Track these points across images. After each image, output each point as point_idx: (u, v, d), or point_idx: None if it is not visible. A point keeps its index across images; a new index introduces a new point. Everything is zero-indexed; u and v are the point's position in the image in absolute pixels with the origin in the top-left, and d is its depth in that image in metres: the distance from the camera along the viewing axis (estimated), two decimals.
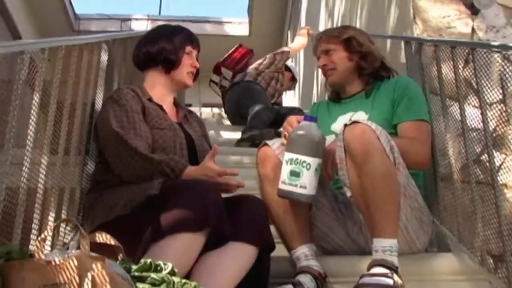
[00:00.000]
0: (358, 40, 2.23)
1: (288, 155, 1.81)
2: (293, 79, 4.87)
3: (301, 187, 1.78)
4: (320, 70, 2.34)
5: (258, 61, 4.70)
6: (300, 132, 1.84)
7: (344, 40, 2.24)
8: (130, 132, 1.91)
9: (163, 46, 2.13)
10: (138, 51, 2.19)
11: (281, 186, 1.81)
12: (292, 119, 1.96)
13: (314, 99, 5.63)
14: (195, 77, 2.21)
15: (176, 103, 2.22)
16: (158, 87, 2.14)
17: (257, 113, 4.16)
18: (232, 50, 4.92)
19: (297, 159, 1.79)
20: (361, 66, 2.23)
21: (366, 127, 1.78)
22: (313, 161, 1.79)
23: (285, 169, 1.81)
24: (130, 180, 1.86)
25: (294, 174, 1.78)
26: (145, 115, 2.01)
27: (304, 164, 1.78)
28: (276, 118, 4.17)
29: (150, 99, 2.08)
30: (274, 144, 1.96)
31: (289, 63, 4.94)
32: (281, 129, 2.07)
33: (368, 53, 2.23)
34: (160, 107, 2.09)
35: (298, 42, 4.99)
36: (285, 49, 4.90)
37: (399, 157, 1.84)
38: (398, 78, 2.25)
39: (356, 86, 2.26)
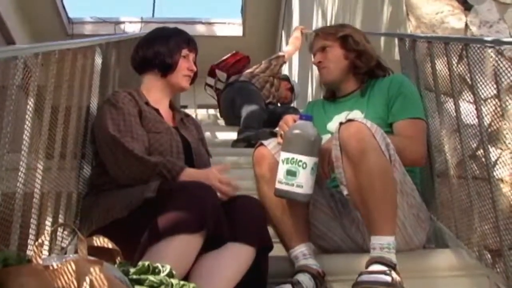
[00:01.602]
0: (354, 38, 2.23)
1: (284, 155, 1.81)
2: (291, 90, 4.89)
3: (297, 186, 1.78)
4: (315, 70, 2.34)
5: (254, 66, 4.72)
6: (296, 131, 1.84)
7: (340, 38, 2.23)
8: (127, 136, 1.90)
9: (158, 49, 2.12)
10: (135, 55, 2.18)
11: (278, 185, 1.81)
12: (288, 118, 1.96)
13: (309, 98, 5.64)
14: (192, 79, 2.20)
15: (172, 107, 2.22)
16: (154, 91, 2.14)
17: (251, 113, 4.16)
18: (228, 55, 4.93)
19: (293, 158, 1.79)
20: (356, 65, 2.22)
21: (362, 125, 1.78)
22: (309, 160, 1.79)
23: (282, 169, 1.81)
24: (127, 183, 1.85)
25: (291, 173, 1.78)
26: (141, 119, 2.00)
27: (300, 163, 1.78)
28: (271, 117, 4.16)
29: (147, 103, 2.07)
30: (270, 144, 1.96)
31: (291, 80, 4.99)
32: (276, 128, 2.07)
33: (363, 52, 2.22)
34: (157, 110, 2.08)
35: (292, 45, 4.99)
36: (280, 53, 4.91)
37: (395, 154, 1.84)
38: (393, 77, 2.24)
39: (351, 84, 2.25)
